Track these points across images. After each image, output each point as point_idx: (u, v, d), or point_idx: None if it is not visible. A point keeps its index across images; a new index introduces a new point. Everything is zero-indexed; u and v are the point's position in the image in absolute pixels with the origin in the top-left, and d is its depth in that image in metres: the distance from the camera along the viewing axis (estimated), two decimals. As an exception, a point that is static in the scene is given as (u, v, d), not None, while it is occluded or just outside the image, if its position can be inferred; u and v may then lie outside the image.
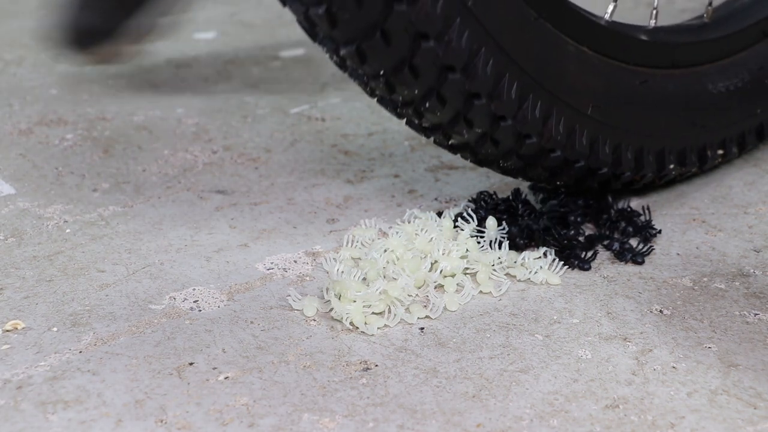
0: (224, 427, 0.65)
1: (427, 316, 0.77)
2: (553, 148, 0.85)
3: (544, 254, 0.84)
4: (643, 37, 0.92)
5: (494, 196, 0.92)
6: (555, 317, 0.78)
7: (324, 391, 0.69)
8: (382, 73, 0.79)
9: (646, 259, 0.86)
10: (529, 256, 0.84)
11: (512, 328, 0.77)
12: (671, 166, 0.94)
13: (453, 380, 0.70)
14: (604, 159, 0.89)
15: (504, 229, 0.86)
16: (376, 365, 0.72)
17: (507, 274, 0.83)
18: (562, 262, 0.84)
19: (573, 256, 0.84)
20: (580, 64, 0.86)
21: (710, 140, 0.98)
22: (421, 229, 0.86)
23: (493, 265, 0.83)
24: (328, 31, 0.77)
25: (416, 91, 0.80)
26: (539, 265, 0.83)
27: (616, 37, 0.89)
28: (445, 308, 0.78)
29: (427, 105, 0.81)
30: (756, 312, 0.79)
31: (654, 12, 0.94)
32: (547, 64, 0.84)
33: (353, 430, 0.65)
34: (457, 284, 0.80)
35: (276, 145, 1.09)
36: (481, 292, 0.80)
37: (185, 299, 0.80)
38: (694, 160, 0.96)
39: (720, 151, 0.99)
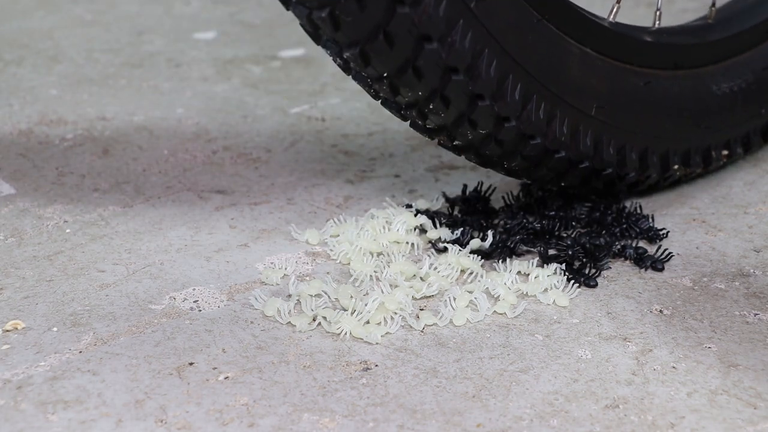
0: (224, 427, 0.65)
1: (435, 324, 0.77)
2: (557, 148, 0.86)
3: (555, 271, 0.82)
4: (647, 39, 0.91)
5: (471, 202, 0.92)
6: (555, 317, 0.78)
7: (324, 391, 0.69)
8: (385, 75, 0.79)
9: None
10: (542, 273, 0.82)
11: (512, 328, 0.77)
12: (675, 167, 0.94)
13: (453, 380, 0.70)
14: (609, 160, 0.89)
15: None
16: (376, 365, 0.72)
17: (518, 291, 0.81)
18: (567, 279, 0.82)
19: (578, 273, 0.82)
20: (584, 65, 0.86)
21: (714, 141, 0.98)
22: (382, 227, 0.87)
23: (507, 285, 0.81)
24: (332, 34, 0.77)
25: (420, 93, 0.80)
26: (551, 283, 0.81)
27: (620, 39, 0.89)
28: (451, 321, 0.77)
29: (431, 107, 0.81)
30: (756, 312, 0.79)
31: (657, 13, 0.94)
32: (551, 66, 0.84)
33: (353, 430, 0.65)
34: (471, 302, 0.79)
35: (276, 145, 1.09)
36: (495, 312, 0.79)
37: (185, 299, 0.80)
38: (698, 161, 0.96)
39: (725, 152, 0.99)
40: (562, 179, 0.89)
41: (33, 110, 1.17)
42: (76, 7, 1.56)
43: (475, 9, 0.77)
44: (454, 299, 0.78)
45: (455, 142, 0.85)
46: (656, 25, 0.94)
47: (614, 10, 0.90)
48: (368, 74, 0.80)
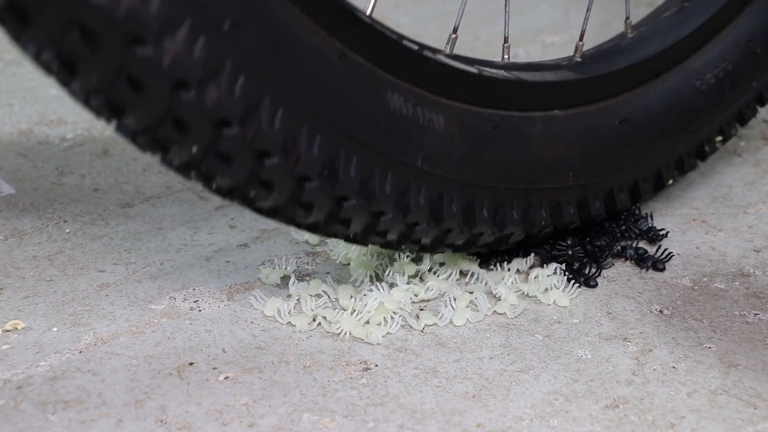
0: (224, 427, 0.65)
1: (435, 324, 0.77)
2: (539, 230, 0.81)
3: (555, 271, 0.82)
4: (622, 64, 0.85)
5: None
6: (555, 317, 0.78)
7: (324, 391, 0.69)
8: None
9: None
10: (542, 273, 0.81)
11: (512, 328, 0.77)
12: (671, 182, 0.92)
13: (453, 380, 0.70)
14: (597, 213, 0.85)
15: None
16: (376, 365, 0.72)
17: (519, 291, 0.81)
18: (567, 279, 0.81)
19: (578, 274, 0.82)
20: (551, 138, 0.80)
21: (707, 135, 0.94)
22: None
23: (508, 284, 0.80)
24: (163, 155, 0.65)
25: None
26: (552, 283, 0.80)
27: (590, 82, 0.83)
28: (451, 321, 0.77)
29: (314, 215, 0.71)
30: (756, 312, 0.79)
31: (628, 22, 0.87)
32: (518, 167, 0.78)
33: (353, 430, 0.65)
34: (470, 302, 0.79)
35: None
36: (495, 312, 0.78)
37: (185, 299, 0.80)
38: (692, 163, 0.94)
39: (719, 138, 0.95)
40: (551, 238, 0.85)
41: (33, 110, 1.17)
42: (76, 7, 1.56)
43: (422, 165, 0.72)
44: (454, 299, 0.78)
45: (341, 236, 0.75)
46: (629, 35, 0.89)
47: (580, 46, 0.84)
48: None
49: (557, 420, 0.66)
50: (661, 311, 0.79)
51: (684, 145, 0.92)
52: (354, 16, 0.68)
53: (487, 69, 0.78)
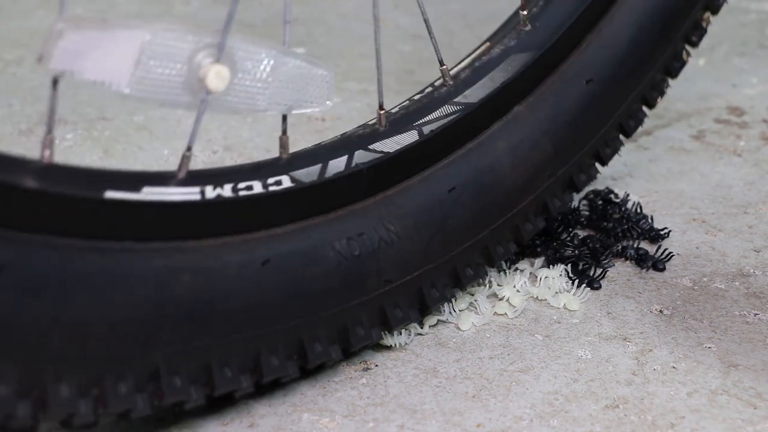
0: (224, 427, 0.65)
1: (439, 321, 0.77)
2: (504, 261, 0.78)
3: (561, 273, 0.81)
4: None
5: None
6: (555, 317, 0.78)
7: (324, 391, 0.69)
8: None
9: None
10: (551, 274, 0.81)
11: (512, 328, 0.77)
12: (660, 98, 0.83)
13: (453, 380, 0.70)
14: (584, 184, 0.82)
15: None
16: (376, 365, 0.72)
17: (528, 294, 0.80)
18: (571, 281, 0.81)
19: (583, 276, 0.82)
20: (517, 150, 0.74)
21: (692, 24, 0.81)
22: None
23: (517, 288, 0.80)
24: None
25: None
26: (560, 285, 0.80)
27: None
28: (457, 327, 0.77)
29: None
30: (756, 312, 0.79)
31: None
32: (453, 235, 0.72)
33: (353, 430, 0.65)
34: (470, 304, 0.78)
35: (276, 145, 1.09)
36: (496, 313, 0.78)
37: (185, 299, 0.80)
38: (681, 64, 0.84)
39: (707, 14, 0.82)
40: None
41: (33, 110, 1.17)
42: (77, 7, 1.56)
43: (386, 286, 0.69)
44: (455, 301, 0.78)
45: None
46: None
47: (524, 16, 0.74)
48: None
49: (557, 420, 0.66)
50: (661, 311, 0.79)
51: (669, 52, 0.81)
52: (282, 194, 0.64)
53: (426, 120, 0.70)
